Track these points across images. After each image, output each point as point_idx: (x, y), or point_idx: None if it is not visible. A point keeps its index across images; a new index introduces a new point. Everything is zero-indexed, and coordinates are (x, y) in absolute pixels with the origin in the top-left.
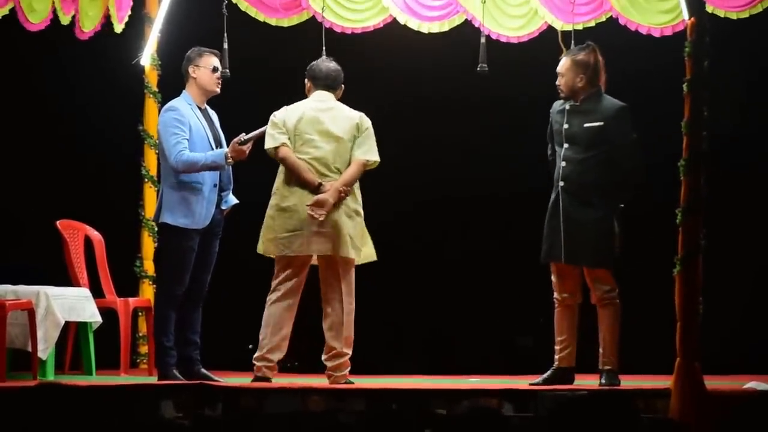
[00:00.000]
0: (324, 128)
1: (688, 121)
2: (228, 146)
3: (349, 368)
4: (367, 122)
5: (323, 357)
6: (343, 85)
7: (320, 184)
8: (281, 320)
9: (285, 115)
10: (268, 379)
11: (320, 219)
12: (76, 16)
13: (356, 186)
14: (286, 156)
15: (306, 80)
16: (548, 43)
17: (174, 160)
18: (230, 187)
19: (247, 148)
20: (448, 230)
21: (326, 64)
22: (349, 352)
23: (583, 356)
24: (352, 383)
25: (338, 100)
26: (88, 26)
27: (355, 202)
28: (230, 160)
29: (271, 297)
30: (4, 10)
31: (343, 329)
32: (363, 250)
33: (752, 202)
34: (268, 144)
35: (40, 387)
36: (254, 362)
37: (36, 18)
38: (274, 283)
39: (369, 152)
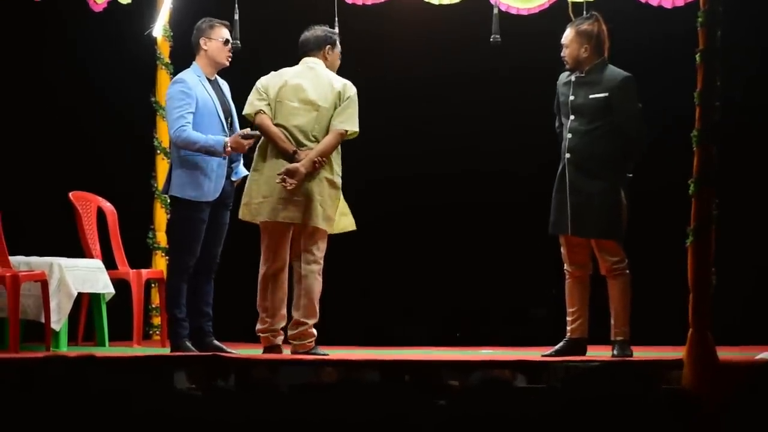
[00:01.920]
0: (305, 96)
1: (701, 91)
2: (235, 129)
3: (311, 338)
4: (351, 91)
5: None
6: (331, 46)
7: (295, 152)
8: (275, 289)
9: (268, 82)
10: (279, 347)
11: (290, 188)
12: None
13: (336, 157)
14: (262, 123)
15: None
16: (560, 15)
17: (174, 135)
18: (240, 159)
19: (247, 143)
20: (461, 201)
21: (309, 31)
22: (308, 321)
23: (595, 327)
24: (324, 354)
25: (332, 64)
26: None
27: (331, 172)
28: (228, 150)
29: (261, 267)
30: None
31: (302, 298)
32: (339, 220)
33: (765, 172)
34: (247, 110)
35: (51, 359)
36: (259, 334)
37: None
38: (262, 252)
39: (347, 122)
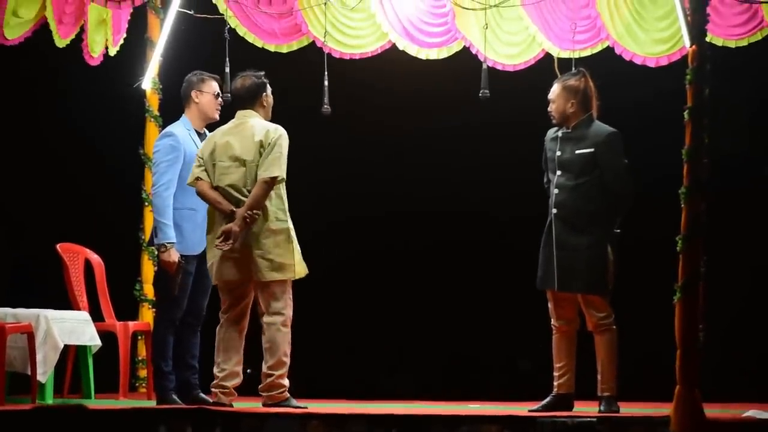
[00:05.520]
0: (233, 153)
1: (689, 148)
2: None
3: (280, 389)
4: (273, 135)
5: None
6: (265, 94)
7: (232, 211)
8: (230, 347)
9: (204, 147)
10: (225, 405)
11: (227, 248)
12: (85, 41)
13: (277, 202)
14: (200, 190)
15: None
16: (546, 71)
17: (153, 191)
18: None
19: (173, 271)
20: (449, 256)
21: (238, 82)
22: (275, 372)
23: (582, 382)
24: (300, 407)
25: (269, 109)
26: (97, 51)
27: (273, 221)
28: (163, 250)
29: (220, 323)
30: None
31: (267, 351)
32: (294, 265)
33: (753, 229)
34: (188, 180)
35: (38, 410)
36: (211, 389)
37: (11, 34)
38: (221, 310)
39: (270, 168)
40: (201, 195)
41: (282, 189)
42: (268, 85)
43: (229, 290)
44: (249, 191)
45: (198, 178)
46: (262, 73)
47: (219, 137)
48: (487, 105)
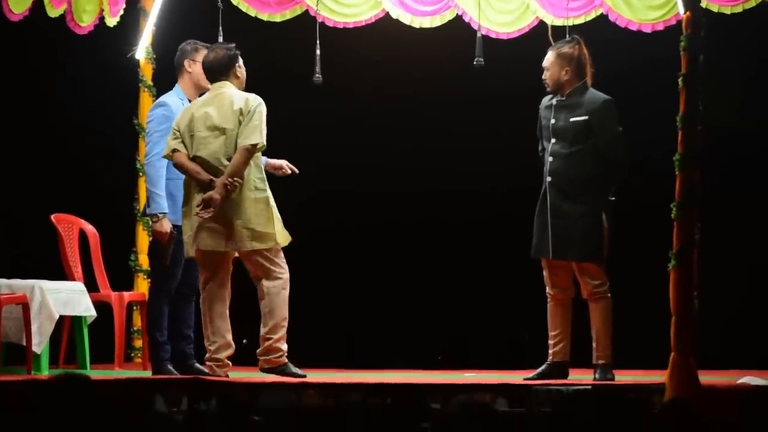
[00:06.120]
0: (211, 123)
1: (683, 115)
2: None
3: (278, 353)
4: (253, 103)
5: None
6: (238, 65)
7: (211, 181)
8: (217, 319)
9: (179, 119)
10: (221, 377)
11: (208, 216)
12: (68, 9)
13: (255, 171)
14: (177, 162)
15: None
16: (541, 39)
17: (146, 161)
18: None
19: (164, 241)
20: (444, 224)
21: (210, 54)
22: (273, 336)
23: (577, 350)
24: (298, 373)
25: (242, 80)
26: (87, 21)
27: (252, 189)
28: (155, 220)
29: (201, 297)
30: None
31: (265, 315)
32: (276, 233)
33: (749, 197)
34: (164, 152)
35: (32, 381)
36: (205, 362)
37: (18, 8)
38: (200, 283)
39: (250, 136)
40: (179, 166)
41: (259, 158)
42: (239, 57)
43: (207, 261)
44: (229, 160)
45: (175, 150)
46: (234, 44)
47: (197, 108)
48: (481, 73)
